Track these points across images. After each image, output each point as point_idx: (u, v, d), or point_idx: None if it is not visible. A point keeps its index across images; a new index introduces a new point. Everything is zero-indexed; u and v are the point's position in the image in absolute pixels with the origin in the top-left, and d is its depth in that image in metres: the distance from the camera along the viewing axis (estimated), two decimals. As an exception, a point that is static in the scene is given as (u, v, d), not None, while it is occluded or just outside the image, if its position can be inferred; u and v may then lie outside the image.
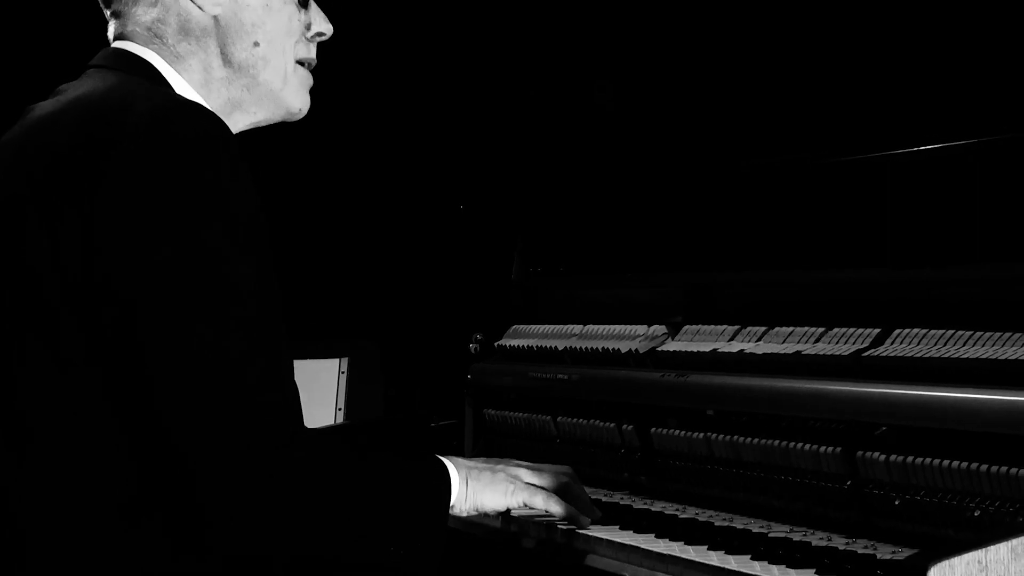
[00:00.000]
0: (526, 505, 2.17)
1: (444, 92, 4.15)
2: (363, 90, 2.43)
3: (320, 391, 3.93)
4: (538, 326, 3.02)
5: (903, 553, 2.04)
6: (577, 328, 2.89)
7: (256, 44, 2.08)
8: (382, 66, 3.94)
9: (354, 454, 1.96)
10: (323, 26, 2.18)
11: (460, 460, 2.13)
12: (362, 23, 2.25)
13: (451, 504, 2.06)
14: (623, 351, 2.71)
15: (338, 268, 4.24)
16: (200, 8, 2.05)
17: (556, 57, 3.88)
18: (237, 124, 2.12)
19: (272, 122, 2.17)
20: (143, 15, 2.05)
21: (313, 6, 2.17)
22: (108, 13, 2.10)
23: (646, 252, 2.96)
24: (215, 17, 2.06)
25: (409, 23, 4.04)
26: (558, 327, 2.95)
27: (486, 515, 2.23)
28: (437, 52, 4.12)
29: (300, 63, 2.14)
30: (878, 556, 2.03)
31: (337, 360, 3.98)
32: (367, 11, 2.34)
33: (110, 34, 2.10)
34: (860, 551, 2.07)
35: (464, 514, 2.11)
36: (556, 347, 2.89)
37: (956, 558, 1.60)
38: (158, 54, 2.04)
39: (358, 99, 2.40)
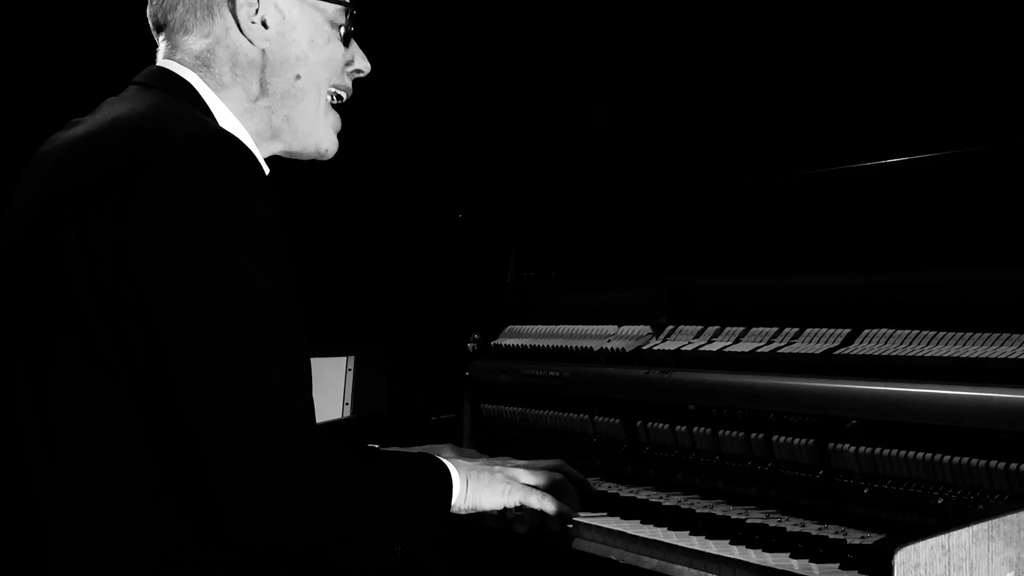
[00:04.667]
0: (522, 504, 2.16)
1: (445, 109, 4.15)
2: (371, 107, 2.44)
3: (328, 387, 3.93)
4: (532, 327, 3.02)
5: (871, 538, 2.04)
6: (568, 328, 2.89)
7: (298, 77, 2.09)
8: (389, 84, 3.94)
9: (363, 458, 1.95)
10: (362, 64, 2.19)
11: (461, 461, 2.13)
12: (372, 43, 2.24)
13: (451, 504, 2.06)
14: (611, 350, 2.71)
15: (346, 273, 4.24)
16: (251, 42, 2.05)
17: (550, 78, 3.88)
18: (271, 149, 2.13)
19: (303, 157, 2.16)
20: (194, 44, 2.05)
21: (354, 44, 2.17)
22: (159, 38, 2.09)
23: (632, 258, 2.96)
24: (263, 51, 2.06)
25: (414, 45, 4.04)
26: (551, 327, 2.95)
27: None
28: (439, 73, 4.12)
29: (337, 92, 2.15)
30: (848, 540, 2.03)
31: (345, 358, 3.98)
32: (375, 30, 2.33)
33: (159, 55, 2.09)
34: (831, 536, 2.07)
35: (463, 512, 2.10)
36: (549, 346, 2.89)
37: (921, 543, 1.60)
38: (202, 79, 2.04)
39: (367, 116, 2.40)
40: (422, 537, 1.99)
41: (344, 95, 2.17)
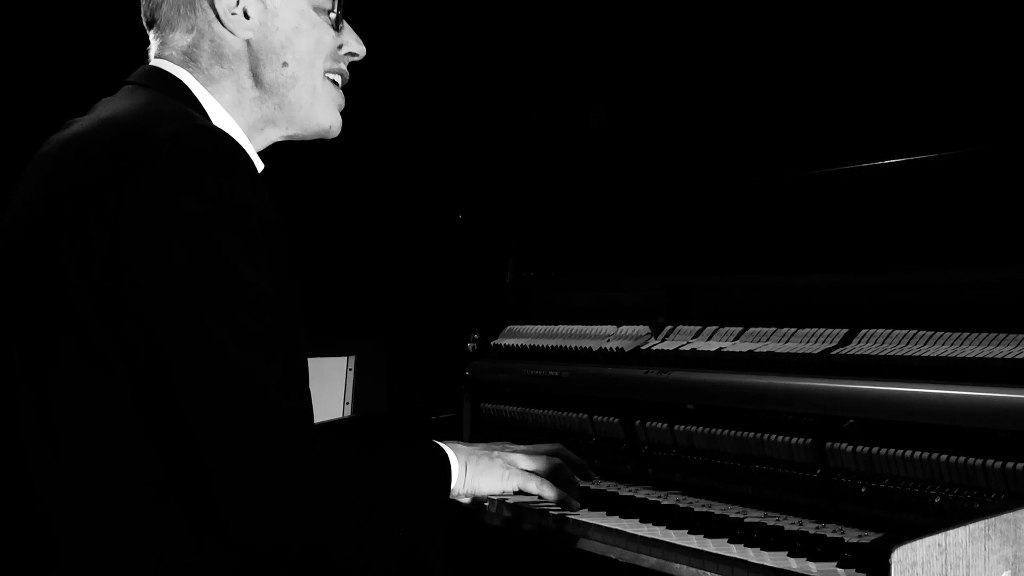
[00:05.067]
0: (521, 489, 2.17)
1: (445, 108, 4.15)
2: (373, 108, 2.45)
3: (329, 386, 3.93)
4: (531, 326, 3.02)
5: (869, 536, 2.05)
6: (567, 328, 2.89)
7: (285, 64, 2.07)
8: (389, 84, 3.94)
9: (362, 453, 1.95)
10: (356, 47, 2.16)
11: (460, 446, 2.13)
12: (373, 43, 2.24)
13: (451, 490, 2.06)
14: (610, 349, 2.71)
15: (347, 273, 4.25)
16: (233, 33, 2.04)
17: (550, 78, 3.88)
18: (270, 138, 2.11)
19: (306, 138, 2.15)
20: (179, 40, 2.05)
21: (347, 28, 2.15)
22: (151, 34, 2.10)
23: (631, 258, 2.97)
24: (247, 41, 2.05)
25: (414, 44, 4.05)
26: (550, 327, 2.95)
27: (483, 499, 2.23)
28: (439, 72, 4.13)
29: (331, 77, 2.13)
30: (846, 539, 2.03)
31: (345, 358, 3.98)
32: (377, 34, 2.33)
33: (151, 52, 2.09)
34: (829, 535, 2.07)
35: (462, 498, 2.11)
36: (548, 346, 2.90)
37: (918, 541, 1.60)
38: (192, 76, 2.04)
39: (367, 115, 2.41)
40: (424, 526, 1.99)
41: (339, 79, 2.16)
